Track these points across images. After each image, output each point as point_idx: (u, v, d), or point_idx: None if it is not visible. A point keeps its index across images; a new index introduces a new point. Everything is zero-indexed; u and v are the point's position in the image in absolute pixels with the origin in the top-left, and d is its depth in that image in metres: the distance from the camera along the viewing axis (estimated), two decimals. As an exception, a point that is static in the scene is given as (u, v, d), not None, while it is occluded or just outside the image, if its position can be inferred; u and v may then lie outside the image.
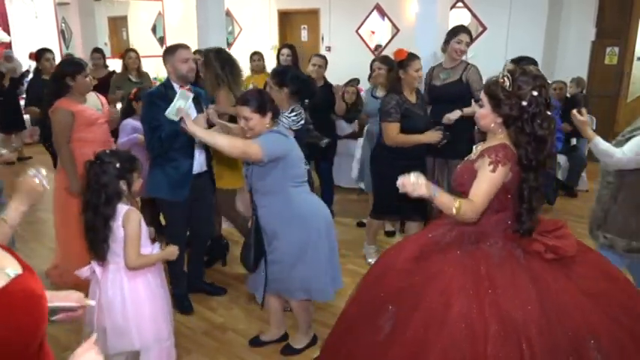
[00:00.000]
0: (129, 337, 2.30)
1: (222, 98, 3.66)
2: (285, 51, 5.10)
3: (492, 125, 2.03)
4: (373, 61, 4.56)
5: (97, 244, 2.25)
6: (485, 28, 7.11)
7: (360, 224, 4.79)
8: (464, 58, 4.11)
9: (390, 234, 4.66)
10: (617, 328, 1.84)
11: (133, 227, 2.27)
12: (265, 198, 2.67)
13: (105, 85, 5.36)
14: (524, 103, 1.92)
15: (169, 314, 2.48)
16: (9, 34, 9.81)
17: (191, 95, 2.92)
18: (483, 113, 2.05)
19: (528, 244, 1.97)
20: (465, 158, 2.20)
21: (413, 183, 1.94)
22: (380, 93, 4.38)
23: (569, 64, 6.87)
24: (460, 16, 7.06)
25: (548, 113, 1.94)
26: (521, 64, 3.31)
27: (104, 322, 2.28)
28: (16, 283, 1.08)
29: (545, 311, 1.80)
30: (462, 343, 1.77)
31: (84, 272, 2.34)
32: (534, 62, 3.45)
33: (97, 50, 6.30)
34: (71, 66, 3.42)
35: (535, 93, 1.91)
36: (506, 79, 1.95)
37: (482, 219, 2.02)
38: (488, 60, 4.17)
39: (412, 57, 3.57)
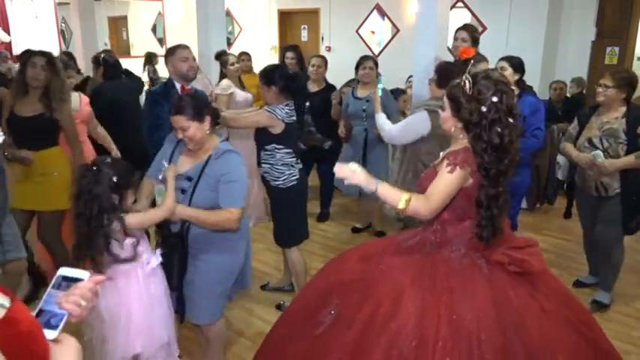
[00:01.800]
0: (129, 344, 2.20)
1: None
2: (290, 54, 5.10)
3: (453, 130, 1.96)
4: (363, 59, 4.48)
5: (95, 254, 2.12)
6: (485, 28, 7.10)
7: (355, 230, 4.79)
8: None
9: (357, 230, 4.66)
10: (575, 348, 1.81)
11: (131, 217, 2.21)
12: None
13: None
14: (484, 109, 1.82)
15: (171, 318, 2.37)
16: (9, 34, 9.81)
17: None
18: (444, 117, 1.98)
19: (492, 255, 1.90)
20: (431, 164, 2.16)
21: (352, 170, 1.91)
22: (362, 93, 4.35)
23: (569, 63, 6.87)
24: (460, 16, 7.06)
25: (511, 121, 1.84)
26: (510, 60, 3.41)
27: (104, 332, 2.19)
28: (14, 312, 1.02)
29: (502, 322, 1.75)
30: (409, 343, 1.72)
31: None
32: (520, 60, 3.51)
33: (66, 53, 6.14)
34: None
35: (495, 99, 1.81)
36: (467, 82, 1.86)
37: (447, 227, 1.98)
38: (489, 60, 4.15)
39: (479, 58, 3.46)
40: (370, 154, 4.37)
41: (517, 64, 3.48)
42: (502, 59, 3.55)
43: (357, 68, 4.44)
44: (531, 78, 5.93)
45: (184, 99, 2.40)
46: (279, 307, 3.46)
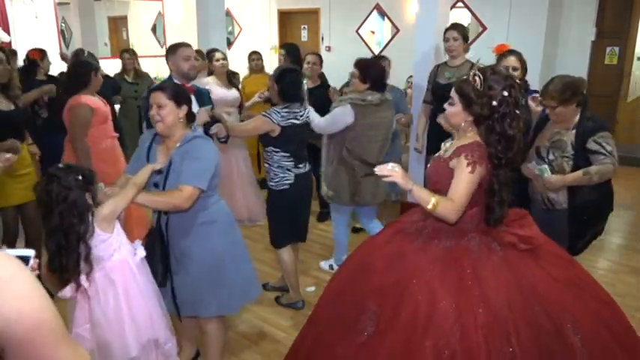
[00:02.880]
0: (127, 346, 2.12)
1: None
2: (281, 51, 5.13)
3: (463, 124, 2.05)
4: (379, 58, 4.53)
5: (72, 267, 2.03)
6: (485, 28, 7.11)
7: (355, 230, 4.78)
8: (468, 56, 4.10)
9: (356, 230, 4.65)
10: (589, 311, 1.91)
11: (104, 207, 2.13)
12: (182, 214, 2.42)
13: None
14: (495, 103, 1.93)
15: (166, 315, 2.31)
16: (9, 34, 9.80)
17: None
18: (454, 111, 2.06)
19: (502, 237, 2.02)
20: (436, 155, 2.22)
21: (390, 169, 1.99)
22: None
23: (569, 63, 6.86)
24: (460, 16, 7.06)
25: (517, 112, 1.96)
26: (506, 54, 3.39)
27: (103, 336, 2.11)
28: None
29: (527, 299, 1.85)
30: (452, 338, 1.77)
31: (67, 292, 2.09)
32: (519, 53, 3.48)
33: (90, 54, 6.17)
34: (93, 62, 3.67)
35: (505, 93, 1.93)
36: (477, 78, 1.96)
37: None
38: (488, 60, 4.15)
39: (508, 52, 3.51)
40: None
41: (524, 62, 3.50)
42: (510, 53, 3.53)
43: None
44: (531, 78, 5.93)
45: (171, 83, 2.49)
46: (277, 299, 3.54)
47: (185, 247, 2.43)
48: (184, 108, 2.38)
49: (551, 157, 2.88)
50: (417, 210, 2.20)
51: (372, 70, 3.45)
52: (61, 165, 2.09)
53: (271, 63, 8.93)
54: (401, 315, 1.88)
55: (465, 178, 1.98)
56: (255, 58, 5.73)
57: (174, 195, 2.24)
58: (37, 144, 3.75)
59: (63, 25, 10.27)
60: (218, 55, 4.67)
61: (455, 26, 4.09)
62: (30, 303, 0.91)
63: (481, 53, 4.13)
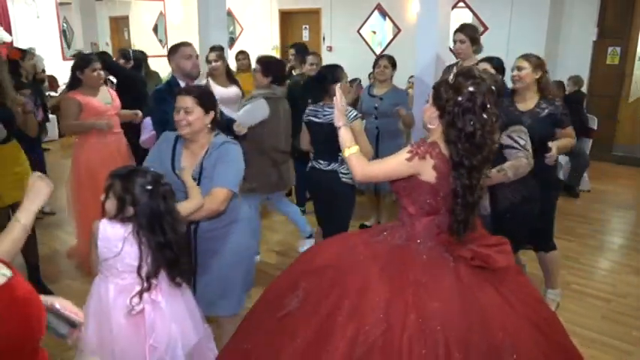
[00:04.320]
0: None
1: None
2: (291, 50, 5.18)
3: (430, 119, 2.00)
4: (379, 57, 4.53)
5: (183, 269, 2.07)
6: (486, 28, 7.11)
7: (363, 227, 4.78)
8: (476, 58, 4.08)
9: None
10: (533, 344, 1.83)
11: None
12: None
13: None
14: (460, 98, 1.88)
15: (199, 313, 2.23)
16: (11, 34, 9.82)
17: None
18: (426, 106, 2.04)
19: (457, 250, 1.95)
20: None
21: (340, 102, 2.15)
22: (378, 91, 4.37)
23: (570, 63, 6.87)
24: (461, 16, 7.06)
25: (484, 116, 1.88)
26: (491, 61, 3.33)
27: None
28: (14, 281, 1.12)
29: (466, 315, 1.79)
30: (375, 330, 1.75)
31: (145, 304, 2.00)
32: (500, 62, 3.37)
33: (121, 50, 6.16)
34: (80, 61, 3.73)
35: (471, 89, 1.87)
36: (452, 74, 1.96)
37: (414, 221, 2.02)
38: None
39: (481, 61, 3.46)
40: (382, 149, 4.37)
41: (498, 65, 3.45)
42: (483, 60, 3.54)
43: (373, 67, 4.50)
44: (532, 78, 5.94)
45: (198, 86, 2.51)
46: None
47: (212, 249, 2.46)
48: (211, 114, 2.38)
49: None
50: (385, 226, 2.21)
51: (273, 66, 3.73)
52: (138, 173, 2.00)
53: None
54: (329, 297, 1.88)
55: (395, 159, 1.97)
56: (241, 57, 5.74)
57: (211, 200, 2.26)
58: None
59: (64, 25, 10.28)
60: (211, 56, 4.64)
61: (462, 28, 4.05)
62: None
63: (483, 53, 4.14)
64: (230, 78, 4.72)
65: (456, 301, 1.82)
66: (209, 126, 2.39)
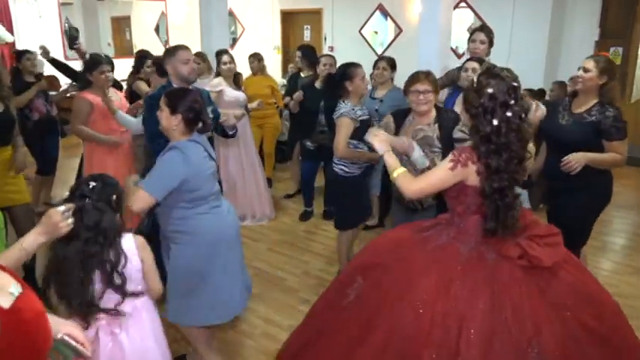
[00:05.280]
0: None
1: None
2: (298, 53, 5.19)
3: (467, 121, 2.06)
4: (378, 59, 4.52)
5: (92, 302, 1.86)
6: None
7: (366, 227, 4.77)
8: (486, 59, 4.07)
9: (368, 228, 4.64)
10: (572, 347, 1.83)
11: (150, 253, 2.02)
12: (166, 216, 2.48)
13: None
14: (482, 100, 1.91)
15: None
16: (13, 34, 9.82)
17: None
18: (460, 109, 2.10)
19: (504, 249, 1.96)
20: None
21: (373, 133, 2.30)
22: (378, 93, 4.36)
23: (572, 64, 6.81)
24: (463, 16, 7.06)
25: (508, 114, 1.90)
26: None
27: None
28: (22, 301, 1.08)
29: (494, 312, 1.83)
30: (408, 327, 1.86)
31: (91, 333, 1.89)
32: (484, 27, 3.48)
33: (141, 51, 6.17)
34: (89, 62, 3.78)
35: (490, 90, 1.90)
36: (474, 77, 2.00)
37: (463, 220, 2.07)
38: (491, 60, 4.15)
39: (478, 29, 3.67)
40: None
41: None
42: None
43: (373, 69, 4.48)
44: (534, 78, 5.94)
45: (170, 90, 2.52)
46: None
47: (166, 249, 2.52)
48: (178, 116, 2.34)
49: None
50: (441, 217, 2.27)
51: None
52: (92, 183, 1.86)
53: (273, 63, 8.94)
54: (375, 292, 2.05)
55: (440, 171, 2.04)
56: (253, 60, 5.74)
57: (133, 195, 2.27)
58: (28, 147, 3.92)
59: (67, 25, 10.28)
60: (225, 57, 4.70)
61: (482, 28, 4.08)
62: None
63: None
64: (237, 83, 4.77)
65: (486, 301, 1.85)
66: (176, 128, 2.36)
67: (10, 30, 9.84)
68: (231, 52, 5.06)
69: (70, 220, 1.70)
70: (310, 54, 5.32)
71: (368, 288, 2.10)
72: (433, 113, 2.87)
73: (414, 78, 2.84)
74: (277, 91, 5.67)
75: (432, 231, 2.18)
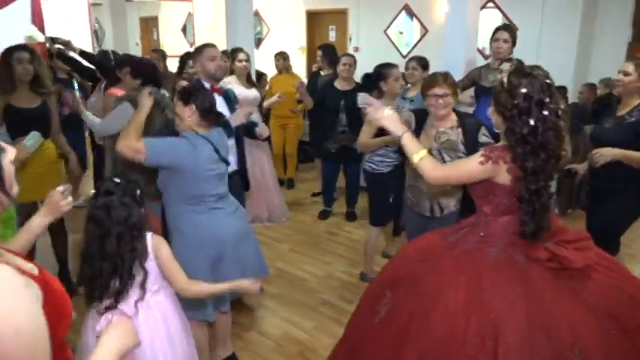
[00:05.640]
0: None
1: None
2: (319, 52, 5.19)
3: (497, 124, 2.01)
4: (409, 59, 4.49)
5: (119, 288, 1.88)
6: (516, 29, 6.98)
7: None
8: (511, 57, 4.01)
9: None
10: (612, 347, 1.78)
11: (167, 249, 2.02)
12: (167, 209, 2.54)
13: None
14: (515, 101, 1.86)
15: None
16: (44, 33, 10.05)
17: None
18: (491, 110, 2.03)
19: (533, 251, 1.91)
20: None
21: (386, 114, 2.12)
22: (410, 94, 4.33)
23: (604, 65, 6.67)
24: (491, 17, 6.95)
25: (545, 113, 1.84)
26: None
27: None
28: (45, 274, 1.12)
29: (531, 321, 1.77)
30: (441, 340, 1.81)
31: (103, 323, 1.86)
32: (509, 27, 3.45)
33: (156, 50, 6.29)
34: (119, 61, 3.96)
35: (524, 90, 1.85)
36: (504, 77, 1.94)
37: (490, 221, 2.03)
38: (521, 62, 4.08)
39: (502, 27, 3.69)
40: None
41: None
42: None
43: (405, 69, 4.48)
44: (563, 80, 5.81)
45: (188, 84, 2.56)
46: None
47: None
48: (192, 107, 2.42)
49: (447, 158, 2.72)
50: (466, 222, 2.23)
51: (142, 67, 3.58)
52: (116, 179, 1.91)
53: (298, 63, 8.95)
54: (405, 306, 1.99)
55: (470, 163, 1.99)
56: (279, 58, 5.75)
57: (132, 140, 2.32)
58: None
59: (96, 25, 10.47)
60: (241, 55, 4.68)
61: (506, 27, 4.04)
62: (9, 326, 0.87)
63: (513, 54, 4.06)
64: (250, 81, 4.76)
65: (521, 307, 1.80)
66: (189, 119, 2.43)
67: (42, 30, 10.06)
68: (254, 51, 5.07)
69: (70, 199, 1.77)
70: (331, 53, 5.31)
71: (397, 303, 2.05)
72: (453, 116, 2.79)
73: (432, 81, 2.74)
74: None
75: (457, 236, 2.13)
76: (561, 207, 5.04)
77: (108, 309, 1.88)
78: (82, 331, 1.99)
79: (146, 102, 2.54)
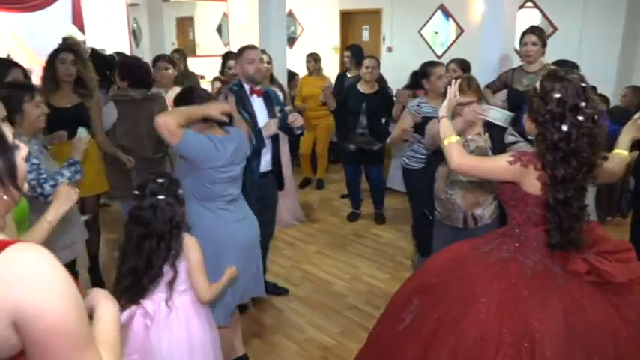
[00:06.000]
0: None
1: None
2: (346, 53, 5.11)
3: (530, 130, 1.95)
4: (449, 62, 4.40)
5: (148, 284, 1.94)
6: (555, 29, 6.76)
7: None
8: (544, 61, 3.88)
9: None
10: None
11: (198, 253, 2.04)
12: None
13: None
14: (549, 107, 1.79)
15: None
16: (84, 33, 10.30)
17: None
18: (525, 118, 1.98)
19: (571, 263, 1.83)
20: None
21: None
22: None
23: (648, 68, 6.42)
24: (530, 17, 6.75)
25: (580, 119, 1.76)
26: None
27: None
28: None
29: (571, 334, 1.70)
30: (471, 350, 1.75)
31: (124, 317, 1.90)
32: (575, 66, 3.18)
33: (177, 51, 6.25)
34: (154, 61, 4.12)
35: (557, 95, 1.77)
36: (538, 82, 1.88)
37: (524, 231, 1.97)
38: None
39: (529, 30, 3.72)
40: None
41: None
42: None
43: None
44: (605, 82, 5.59)
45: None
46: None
47: None
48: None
49: None
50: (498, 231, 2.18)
51: (129, 68, 3.66)
52: (160, 180, 1.96)
53: (332, 64, 8.92)
54: (433, 315, 1.94)
55: (498, 160, 1.96)
56: (310, 59, 5.72)
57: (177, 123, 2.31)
58: None
59: (134, 25, 10.67)
60: (263, 57, 4.66)
61: (533, 30, 3.88)
62: (53, 304, 0.89)
63: (552, 56, 3.93)
64: (273, 81, 4.75)
65: (559, 319, 1.73)
66: (199, 122, 2.41)
67: (82, 30, 10.33)
68: (288, 51, 5.05)
69: (77, 189, 1.87)
70: (358, 53, 5.24)
71: (425, 309, 2.00)
72: (479, 123, 2.70)
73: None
74: None
75: (490, 245, 2.06)
76: (601, 215, 4.84)
77: (131, 303, 1.93)
78: None
79: (217, 108, 2.44)
